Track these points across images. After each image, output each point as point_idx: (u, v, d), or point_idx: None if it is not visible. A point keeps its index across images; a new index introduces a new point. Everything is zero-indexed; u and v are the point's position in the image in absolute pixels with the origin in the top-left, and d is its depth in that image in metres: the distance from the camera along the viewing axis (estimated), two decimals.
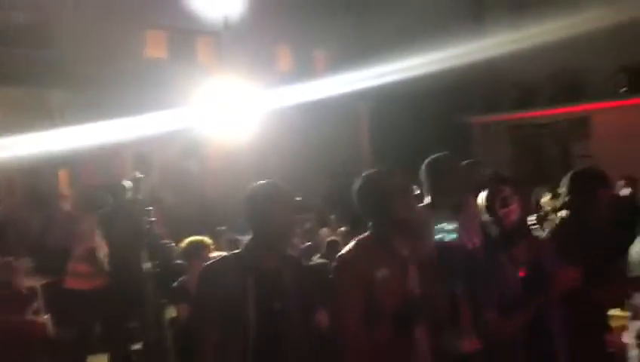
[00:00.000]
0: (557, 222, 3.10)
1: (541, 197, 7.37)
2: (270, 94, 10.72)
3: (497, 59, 11.53)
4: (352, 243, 2.39)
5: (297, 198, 2.55)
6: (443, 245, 2.51)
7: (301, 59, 13.18)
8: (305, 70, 12.80)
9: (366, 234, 2.40)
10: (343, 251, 2.39)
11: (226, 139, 10.16)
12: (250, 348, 2.20)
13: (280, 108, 10.64)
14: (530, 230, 3.21)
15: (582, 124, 11.05)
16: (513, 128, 12.15)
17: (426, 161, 2.85)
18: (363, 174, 2.42)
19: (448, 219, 2.55)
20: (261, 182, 2.38)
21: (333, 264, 2.38)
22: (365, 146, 13.76)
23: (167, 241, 6.32)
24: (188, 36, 11.76)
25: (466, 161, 3.40)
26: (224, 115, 10.02)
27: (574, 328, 2.71)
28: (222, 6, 11.03)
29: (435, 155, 2.85)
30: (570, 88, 10.81)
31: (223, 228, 7.26)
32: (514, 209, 2.83)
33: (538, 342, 2.71)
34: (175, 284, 4.16)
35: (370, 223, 2.38)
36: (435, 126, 11.75)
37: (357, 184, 2.40)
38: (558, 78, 10.90)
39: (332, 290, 2.35)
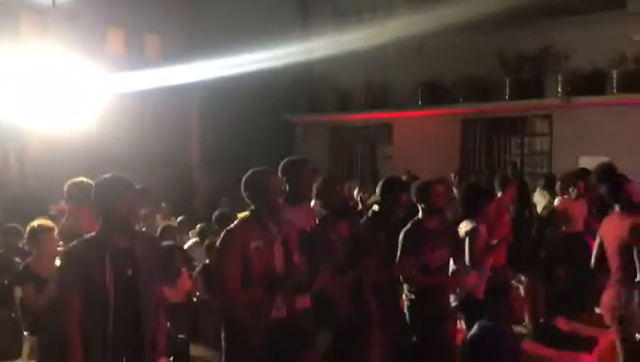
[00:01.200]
0: (370, 213, 4.21)
1: (353, 189, 8.68)
2: (102, 79, 10.74)
3: (321, 64, 12.78)
4: (236, 221, 3.14)
5: (138, 187, 3.11)
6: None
7: (134, 42, 13.12)
8: (138, 54, 12.89)
9: (247, 213, 3.16)
10: (230, 226, 3.13)
11: (52, 125, 9.94)
12: (110, 309, 2.75)
13: (113, 94, 10.71)
14: (350, 213, 4.23)
15: (386, 128, 12.72)
16: (332, 129, 13.52)
17: (284, 162, 3.68)
18: (252, 170, 3.18)
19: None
20: (107, 175, 2.93)
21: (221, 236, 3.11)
22: (195, 136, 14.24)
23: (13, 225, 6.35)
24: (11, 10, 11.31)
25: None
26: (49, 98, 9.84)
27: (382, 288, 3.76)
28: None
29: (290, 159, 3.74)
30: (379, 97, 12.35)
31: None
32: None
33: (358, 298, 3.71)
34: (21, 267, 4.45)
35: (252, 207, 3.14)
36: (261, 122, 12.59)
37: (247, 176, 3.16)
38: (370, 86, 12.38)
39: (217, 257, 3.10)
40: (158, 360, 2.93)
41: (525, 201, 8.26)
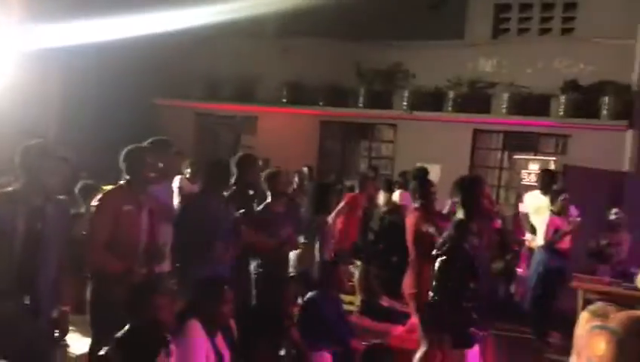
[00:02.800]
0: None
1: None
2: None
3: (192, 51, 13.18)
4: (112, 188, 3.74)
5: (59, 155, 3.67)
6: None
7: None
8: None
9: (122, 182, 3.74)
10: (106, 191, 3.72)
11: None
12: (18, 254, 3.18)
13: None
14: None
15: (252, 120, 13.45)
16: (199, 115, 13.96)
17: (151, 141, 4.29)
18: (131, 145, 3.76)
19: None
20: (32, 141, 3.39)
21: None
22: (55, 107, 13.89)
23: None
24: None
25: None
26: None
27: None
28: None
29: (157, 139, 4.36)
30: (247, 90, 13.05)
31: None
32: None
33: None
34: None
35: (126, 177, 3.72)
36: (127, 102, 12.68)
37: (128, 149, 3.72)
38: (239, 79, 13.02)
39: (92, 217, 3.66)
40: (58, 303, 3.43)
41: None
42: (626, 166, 9.90)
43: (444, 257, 3.79)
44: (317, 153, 12.34)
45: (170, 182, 4.60)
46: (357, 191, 7.48)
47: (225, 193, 4.45)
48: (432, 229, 4.57)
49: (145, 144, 4.25)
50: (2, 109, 11.86)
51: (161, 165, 4.16)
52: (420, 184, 5.12)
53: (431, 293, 3.88)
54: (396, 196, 8.41)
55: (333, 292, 4.50)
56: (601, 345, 1.29)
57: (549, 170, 8.73)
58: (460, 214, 4.04)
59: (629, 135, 9.90)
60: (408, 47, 11.53)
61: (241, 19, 13.31)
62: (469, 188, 4.08)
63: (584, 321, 1.36)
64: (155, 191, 4.00)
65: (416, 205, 4.95)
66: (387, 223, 8.08)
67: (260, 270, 4.64)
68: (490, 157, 11.51)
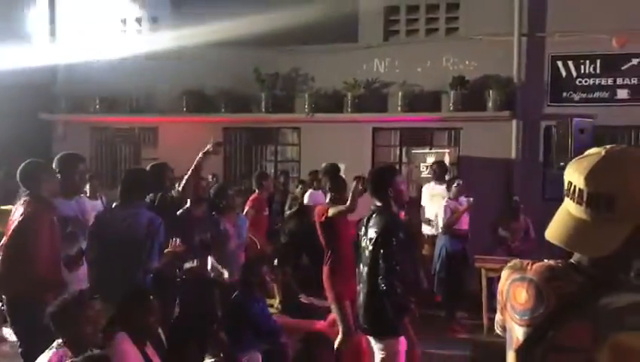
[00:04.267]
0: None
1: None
2: None
3: (83, 65, 12.75)
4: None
5: None
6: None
7: None
8: None
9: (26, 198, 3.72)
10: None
11: None
12: None
13: None
14: None
15: (151, 132, 13.19)
16: (94, 129, 13.49)
17: (59, 156, 4.24)
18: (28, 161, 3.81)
19: None
20: None
21: None
22: None
23: None
24: None
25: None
26: None
27: None
28: None
29: (64, 154, 4.29)
30: (145, 102, 12.81)
31: None
32: None
33: None
34: None
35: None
36: (16, 119, 12.10)
37: (22, 166, 3.72)
38: (136, 91, 12.76)
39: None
40: None
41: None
42: (513, 153, 10.70)
43: (387, 245, 3.96)
44: (222, 160, 12.31)
45: (82, 196, 4.52)
46: (256, 191, 7.63)
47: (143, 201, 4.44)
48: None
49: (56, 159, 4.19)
50: None
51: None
52: (332, 178, 5.35)
53: (381, 280, 4.00)
54: (306, 196, 8.62)
55: (257, 292, 4.61)
56: (523, 294, 1.47)
57: (440, 162, 9.40)
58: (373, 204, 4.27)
59: (514, 124, 10.71)
60: (305, 51, 11.80)
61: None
62: (384, 177, 4.30)
63: (504, 277, 1.57)
64: (66, 205, 3.95)
65: (329, 199, 5.18)
66: (294, 224, 8.29)
67: (183, 276, 4.67)
68: (390, 154, 12.01)
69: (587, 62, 10.55)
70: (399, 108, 11.36)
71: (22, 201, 3.76)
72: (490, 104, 10.74)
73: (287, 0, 10.80)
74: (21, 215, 3.69)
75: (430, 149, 11.52)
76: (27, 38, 13.26)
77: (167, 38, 12.29)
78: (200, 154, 4.91)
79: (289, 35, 11.18)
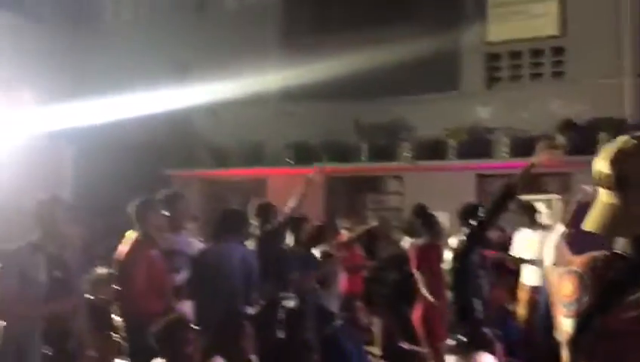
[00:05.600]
0: None
1: None
2: None
3: (196, 122, 13.67)
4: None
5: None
6: None
7: (14, 98, 13.23)
8: (16, 109, 12.96)
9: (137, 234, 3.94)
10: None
11: None
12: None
13: None
14: None
15: (260, 184, 13.74)
16: (207, 183, 14.28)
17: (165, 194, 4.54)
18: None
19: None
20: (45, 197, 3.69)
21: None
22: (68, 186, 14.30)
23: None
24: None
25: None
26: None
27: None
28: None
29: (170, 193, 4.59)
30: (253, 155, 13.44)
31: None
32: None
33: None
34: None
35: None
36: (137, 176, 13.06)
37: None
38: (244, 145, 13.44)
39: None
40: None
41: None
42: None
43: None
44: (324, 209, 12.53)
45: (184, 232, 4.82)
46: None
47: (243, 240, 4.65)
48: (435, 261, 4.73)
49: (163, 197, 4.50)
50: (18, 188, 12.26)
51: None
52: (423, 219, 5.33)
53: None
54: (406, 242, 8.52)
55: (353, 329, 4.62)
56: (569, 286, 1.48)
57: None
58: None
59: None
60: (405, 101, 11.92)
61: (245, 90, 13.88)
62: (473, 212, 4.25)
63: (555, 277, 1.59)
64: (172, 240, 4.22)
65: (423, 241, 5.16)
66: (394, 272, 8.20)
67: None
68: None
69: None
70: (506, 154, 11.09)
71: (126, 239, 4.08)
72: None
73: (385, 50, 11.05)
74: (126, 251, 4.00)
75: (540, 195, 11.06)
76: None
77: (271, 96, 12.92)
78: (303, 183, 5.09)
79: (388, 85, 11.39)
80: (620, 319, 1.36)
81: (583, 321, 1.42)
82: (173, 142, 14.03)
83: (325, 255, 5.71)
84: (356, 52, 11.34)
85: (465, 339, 3.83)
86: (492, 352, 3.91)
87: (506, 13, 11.42)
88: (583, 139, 10.37)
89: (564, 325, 1.49)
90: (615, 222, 1.46)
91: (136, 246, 3.97)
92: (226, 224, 4.56)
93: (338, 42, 11.42)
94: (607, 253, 1.49)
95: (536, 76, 11.37)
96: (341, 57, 11.45)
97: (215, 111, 13.23)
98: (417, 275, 5.19)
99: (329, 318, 4.96)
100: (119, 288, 3.98)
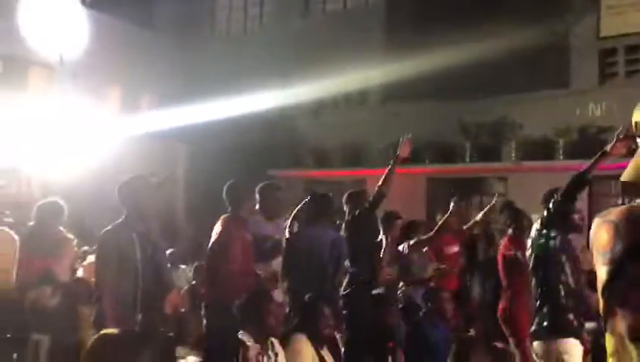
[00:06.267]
0: None
1: None
2: (101, 131, 11.82)
3: (300, 126, 14.03)
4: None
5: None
6: None
7: (129, 101, 14.33)
8: (132, 112, 14.04)
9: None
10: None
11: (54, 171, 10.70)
12: (140, 279, 3.51)
13: (108, 145, 11.73)
14: None
15: (360, 183, 13.83)
16: (309, 183, 14.60)
17: (260, 185, 4.76)
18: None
19: None
20: (133, 175, 3.75)
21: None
22: (181, 186, 15.25)
23: None
24: (20, 64, 12.41)
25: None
26: (54, 148, 10.82)
27: None
28: (59, 42, 12.00)
29: (265, 183, 4.82)
30: (354, 156, 13.57)
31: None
32: None
33: None
34: None
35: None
36: (245, 176, 13.61)
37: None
38: (345, 147, 13.61)
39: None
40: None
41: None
42: None
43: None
44: (424, 211, 12.40)
45: (280, 220, 5.02)
46: None
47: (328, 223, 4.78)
48: (519, 253, 4.60)
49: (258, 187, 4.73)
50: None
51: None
52: (509, 212, 5.23)
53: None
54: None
55: (438, 319, 4.59)
56: (604, 235, 1.49)
57: None
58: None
59: None
60: (511, 100, 11.54)
61: (348, 91, 14.08)
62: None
63: (592, 227, 1.57)
64: (265, 225, 4.41)
65: (509, 233, 5.06)
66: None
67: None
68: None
69: None
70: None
71: (221, 219, 4.31)
72: None
73: (491, 46, 10.76)
74: (218, 232, 4.23)
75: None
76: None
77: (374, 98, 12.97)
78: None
79: (494, 83, 11.09)
80: None
81: (616, 269, 1.42)
82: (278, 144, 14.49)
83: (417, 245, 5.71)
84: (460, 49, 11.13)
85: (546, 324, 3.69)
86: (578, 338, 3.74)
87: (621, 5, 10.75)
88: None
89: (600, 273, 1.49)
90: None
91: (226, 227, 4.19)
92: (315, 208, 4.71)
93: (441, 40, 11.27)
94: None
95: None
96: (444, 55, 11.28)
97: (318, 112, 13.51)
98: (501, 265, 5.08)
99: (415, 308, 4.96)
100: (212, 264, 4.20)
